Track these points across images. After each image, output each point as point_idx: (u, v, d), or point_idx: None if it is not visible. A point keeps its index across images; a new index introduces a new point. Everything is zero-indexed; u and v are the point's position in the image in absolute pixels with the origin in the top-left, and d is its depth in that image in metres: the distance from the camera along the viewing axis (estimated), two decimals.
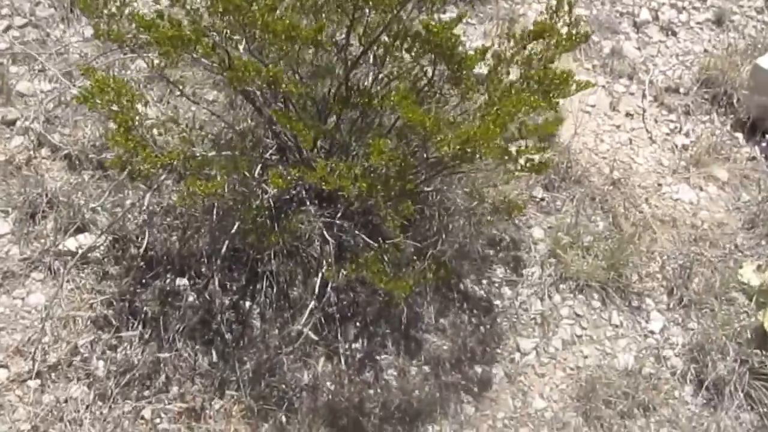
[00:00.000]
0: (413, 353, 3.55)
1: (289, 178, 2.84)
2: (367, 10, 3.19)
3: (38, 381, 3.19)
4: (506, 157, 3.00)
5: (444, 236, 3.68)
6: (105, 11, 3.22)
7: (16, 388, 3.16)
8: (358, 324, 3.55)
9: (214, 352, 3.34)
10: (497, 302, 3.81)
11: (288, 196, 3.58)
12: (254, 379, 3.28)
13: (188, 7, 3.11)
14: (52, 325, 3.29)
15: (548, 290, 3.88)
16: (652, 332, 3.86)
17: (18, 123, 3.86)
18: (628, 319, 3.88)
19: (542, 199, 4.21)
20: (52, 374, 3.21)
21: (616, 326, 3.85)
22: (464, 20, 4.84)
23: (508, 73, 3.41)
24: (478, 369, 3.59)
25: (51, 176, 3.70)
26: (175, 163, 2.92)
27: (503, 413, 3.51)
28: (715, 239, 4.14)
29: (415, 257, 3.70)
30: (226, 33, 3.03)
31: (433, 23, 3.13)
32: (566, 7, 3.52)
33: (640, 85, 4.85)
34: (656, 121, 4.70)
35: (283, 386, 3.32)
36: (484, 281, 3.85)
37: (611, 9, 5.19)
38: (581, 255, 3.98)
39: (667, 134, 4.64)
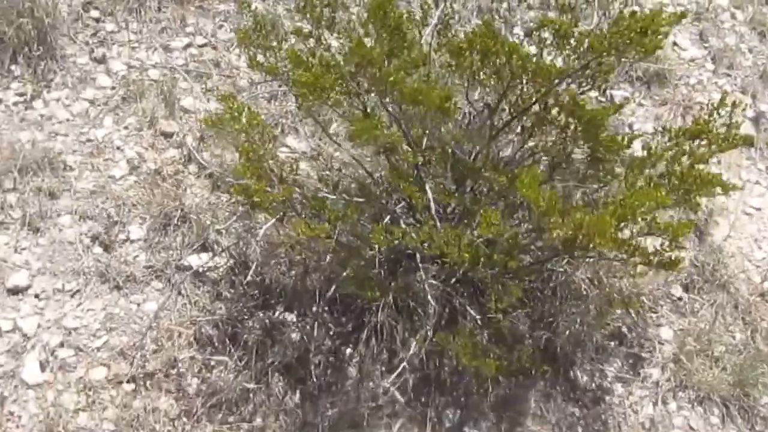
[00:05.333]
0: None
1: (389, 237, 2.82)
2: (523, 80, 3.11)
3: (132, 386, 3.29)
4: (624, 250, 2.85)
5: (560, 320, 3.54)
6: (263, 43, 3.31)
7: (112, 388, 3.27)
8: (454, 393, 3.47)
9: (303, 393, 3.34)
10: (606, 397, 3.63)
11: (410, 251, 3.54)
12: (335, 427, 3.26)
13: (332, 52, 3.16)
14: (158, 334, 3.38)
15: (664, 395, 3.67)
16: None
17: (174, 137, 4.02)
18: None
19: (679, 299, 3.99)
20: (147, 382, 3.31)
21: None
22: (634, 102, 4.72)
23: (653, 166, 3.27)
24: None
25: (192, 192, 3.83)
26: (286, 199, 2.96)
27: None
28: None
29: (528, 335, 3.60)
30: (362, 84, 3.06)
31: (583, 101, 3.04)
32: (730, 107, 3.34)
33: None
34: None
35: None
36: (597, 373, 3.67)
37: None
38: (708, 365, 3.73)
39: None
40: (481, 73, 3.00)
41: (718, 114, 3.33)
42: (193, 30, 4.51)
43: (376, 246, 3.28)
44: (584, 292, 3.61)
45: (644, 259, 3.04)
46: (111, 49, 4.32)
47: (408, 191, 2.94)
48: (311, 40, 3.16)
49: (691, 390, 3.69)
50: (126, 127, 4.06)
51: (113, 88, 4.18)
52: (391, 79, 2.94)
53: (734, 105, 3.36)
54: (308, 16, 3.14)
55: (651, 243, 3.28)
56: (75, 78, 4.17)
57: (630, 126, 4.70)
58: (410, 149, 3.01)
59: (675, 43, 5.12)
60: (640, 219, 2.77)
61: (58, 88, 4.12)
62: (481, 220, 2.78)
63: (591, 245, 2.78)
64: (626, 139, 3.18)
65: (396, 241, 2.89)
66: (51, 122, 4.00)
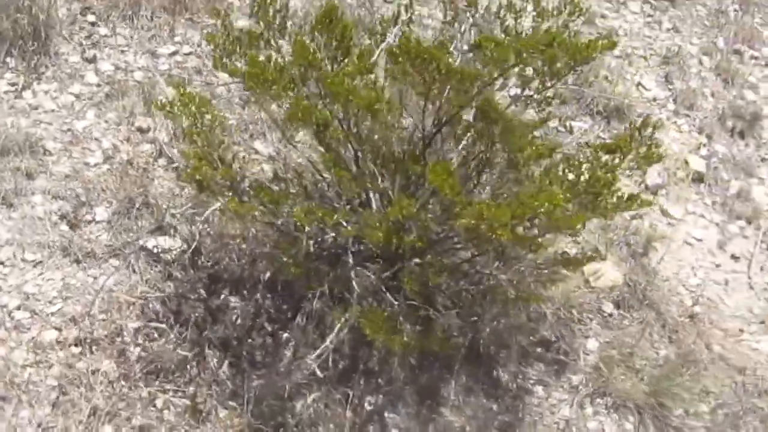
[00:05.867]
0: (423, 422, 3.66)
1: (311, 216, 3.09)
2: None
3: (79, 349, 3.56)
4: (524, 244, 3.10)
5: (485, 320, 3.77)
6: (229, 47, 3.62)
7: (60, 349, 3.55)
8: (379, 380, 3.70)
9: (236, 367, 3.59)
10: (525, 397, 3.84)
11: (354, 249, 3.79)
12: (259, 398, 3.51)
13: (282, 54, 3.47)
14: (109, 306, 3.67)
15: (582, 400, 3.87)
16: None
17: (149, 132, 4.34)
18: None
19: (610, 315, 4.21)
20: (93, 347, 3.58)
21: None
22: (593, 133, 4.98)
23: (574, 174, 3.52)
24: None
25: (158, 183, 4.13)
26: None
27: None
28: None
29: (456, 333, 3.83)
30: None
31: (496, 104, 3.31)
32: (649, 130, 3.60)
33: (757, 230, 4.75)
34: (762, 270, 4.58)
35: (287, 414, 3.52)
36: (520, 375, 3.89)
37: (754, 152, 5.14)
38: (628, 376, 3.94)
39: None
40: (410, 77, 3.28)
41: (640, 134, 3.60)
42: (180, 39, 4.85)
43: (312, 236, 3.56)
44: (510, 297, 3.83)
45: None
46: (102, 51, 4.67)
47: (338, 174, 3.20)
48: (262, 42, 3.45)
49: (609, 397, 3.89)
50: (106, 121, 4.39)
51: (99, 85, 4.52)
52: (329, 80, 3.23)
53: (655, 126, 3.63)
54: (260, 21, 3.45)
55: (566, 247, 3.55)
56: (65, 74, 4.51)
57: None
58: (342, 132, 3.28)
59: (640, 84, 5.39)
60: (537, 213, 3.01)
61: (48, 81, 4.47)
62: (394, 203, 3.05)
63: (492, 236, 3.03)
64: (546, 149, 3.44)
65: (317, 221, 3.15)
66: (37, 111, 4.34)
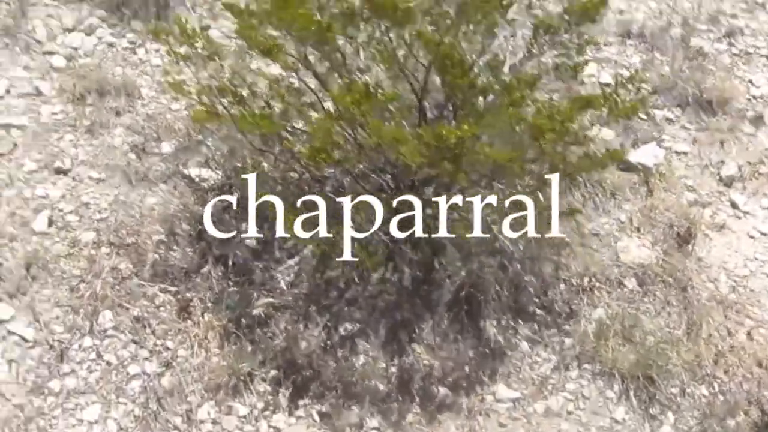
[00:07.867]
0: (392, 353, 3.79)
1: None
2: None
3: (108, 249, 4.05)
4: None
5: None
6: None
7: (93, 249, 4.06)
8: (359, 312, 3.89)
9: (235, 284, 3.94)
10: (508, 351, 3.86)
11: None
12: (237, 306, 3.83)
13: None
14: (142, 219, 4.16)
15: (568, 361, 3.83)
16: None
17: None
18: (634, 420, 3.67)
19: (630, 290, 4.11)
20: (121, 250, 4.05)
21: (616, 422, 3.67)
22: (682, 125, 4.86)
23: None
24: (442, 390, 3.71)
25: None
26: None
27: None
28: None
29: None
30: None
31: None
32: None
33: None
34: None
35: (268, 329, 3.81)
36: (510, 330, 3.91)
37: None
38: (626, 347, 3.84)
39: None
40: None
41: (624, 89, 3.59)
42: None
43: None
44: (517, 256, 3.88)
45: None
46: (219, 22, 5.26)
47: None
48: None
49: (599, 364, 3.81)
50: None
51: (204, 48, 5.08)
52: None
53: (640, 80, 3.60)
54: None
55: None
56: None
57: (659, 142, 4.85)
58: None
59: (750, 81, 5.18)
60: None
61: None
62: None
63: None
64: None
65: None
66: (145, 65, 4.98)
